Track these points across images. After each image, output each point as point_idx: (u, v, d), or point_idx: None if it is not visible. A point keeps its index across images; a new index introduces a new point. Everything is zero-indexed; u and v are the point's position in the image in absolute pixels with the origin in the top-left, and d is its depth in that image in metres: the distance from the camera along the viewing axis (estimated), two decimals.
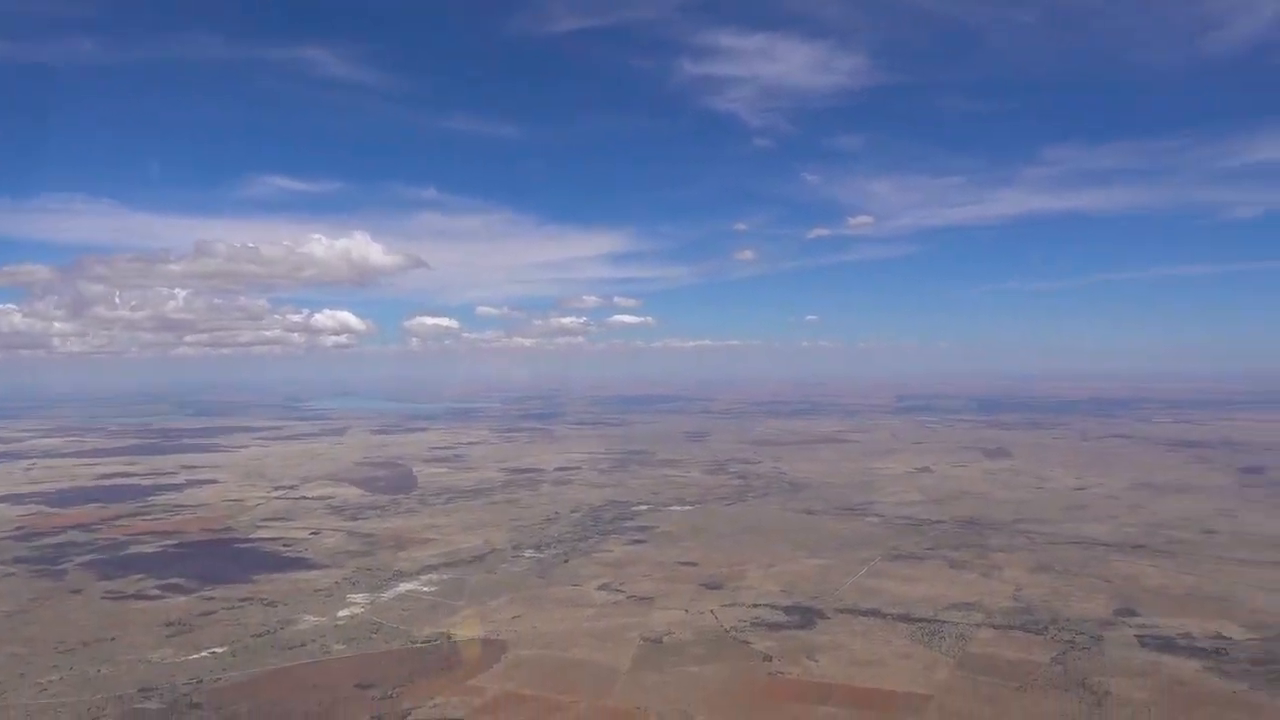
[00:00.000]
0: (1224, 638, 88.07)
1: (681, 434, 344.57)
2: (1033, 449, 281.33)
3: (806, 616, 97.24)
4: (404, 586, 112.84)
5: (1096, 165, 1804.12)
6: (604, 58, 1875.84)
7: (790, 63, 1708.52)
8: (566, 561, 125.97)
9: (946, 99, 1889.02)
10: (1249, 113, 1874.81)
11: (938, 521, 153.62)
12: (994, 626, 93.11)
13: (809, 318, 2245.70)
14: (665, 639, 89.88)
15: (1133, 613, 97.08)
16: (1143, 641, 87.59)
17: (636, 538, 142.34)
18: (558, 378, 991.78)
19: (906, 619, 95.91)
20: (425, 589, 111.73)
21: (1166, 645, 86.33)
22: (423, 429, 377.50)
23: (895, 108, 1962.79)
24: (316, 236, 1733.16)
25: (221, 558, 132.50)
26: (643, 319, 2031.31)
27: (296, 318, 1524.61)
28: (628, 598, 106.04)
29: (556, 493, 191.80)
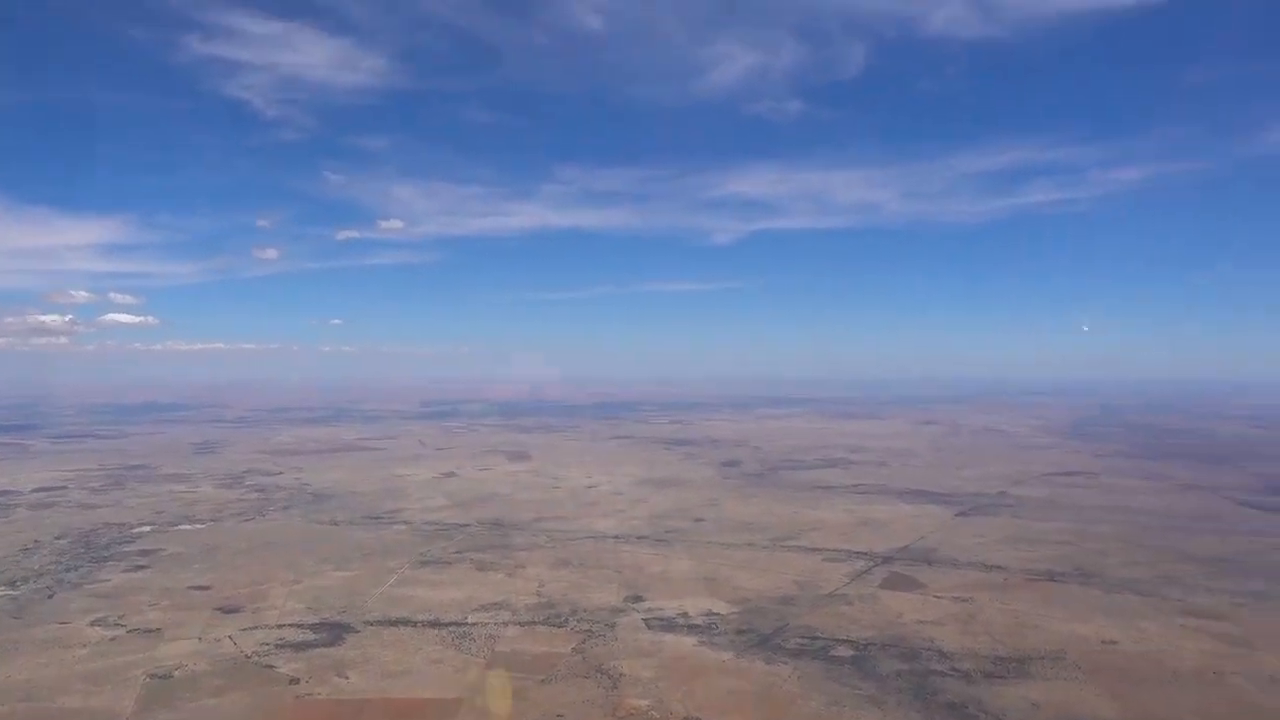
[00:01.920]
0: (714, 613, 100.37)
1: (190, 445, 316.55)
2: (549, 451, 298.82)
3: (335, 633, 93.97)
4: None
5: (601, 187, 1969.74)
6: (95, 19, 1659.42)
7: (311, 55, 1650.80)
8: (51, 597, 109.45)
9: (469, 110, 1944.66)
10: (726, 151, 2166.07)
11: (464, 525, 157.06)
12: (520, 624, 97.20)
13: (334, 321, 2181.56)
14: (176, 673, 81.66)
15: (640, 598, 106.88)
16: (649, 624, 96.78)
17: (138, 563, 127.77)
18: (36, 384, 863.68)
19: (437, 624, 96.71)
20: None
21: (669, 625, 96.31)
22: None
23: (420, 113, 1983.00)
24: None
25: None
26: (143, 318, 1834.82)
27: None
28: (129, 632, 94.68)
29: (35, 518, 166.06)
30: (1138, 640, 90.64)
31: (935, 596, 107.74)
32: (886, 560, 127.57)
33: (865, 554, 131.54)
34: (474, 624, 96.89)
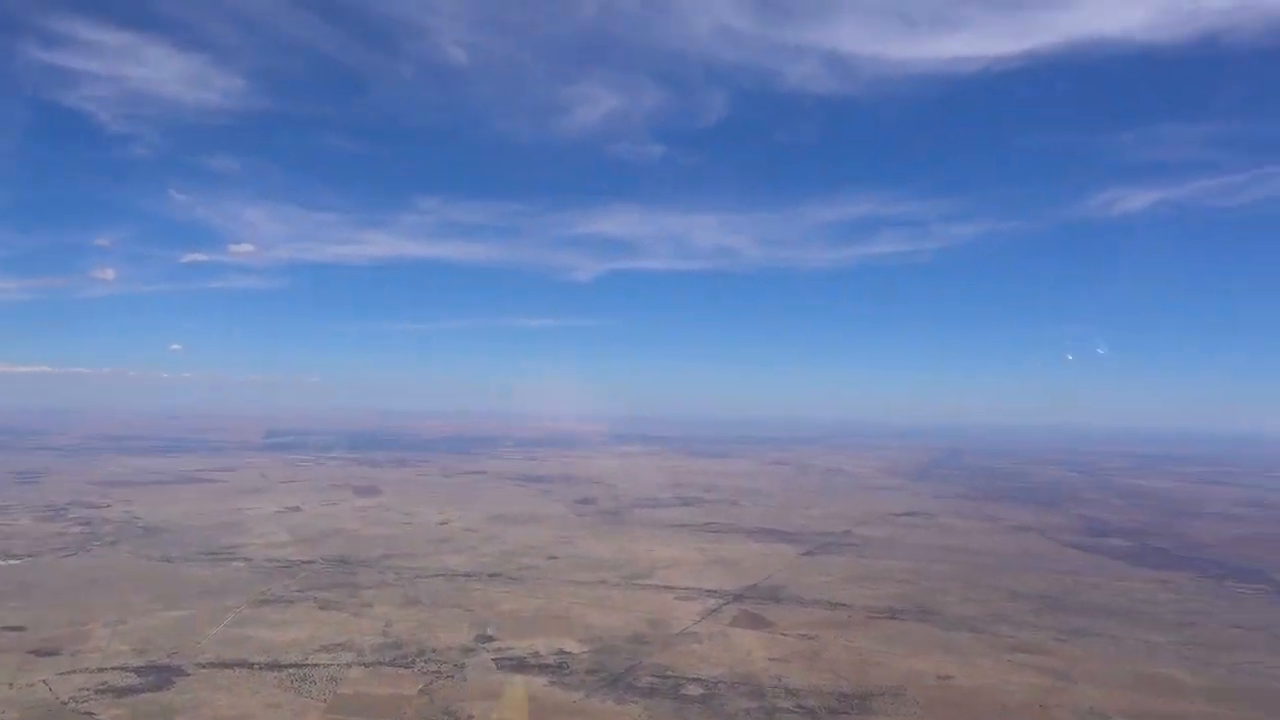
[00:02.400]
0: (565, 653, 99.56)
1: (9, 475, 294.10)
2: (401, 485, 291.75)
3: (164, 676, 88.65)
4: None
5: (461, 219, 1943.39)
6: None
7: (161, 70, 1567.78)
8: None
9: (326, 135, 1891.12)
10: (588, 190, 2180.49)
11: (309, 562, 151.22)
12: (365, 665, 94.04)
13: (174, 346, 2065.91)
14: None
15: (491, 638, 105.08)
16: (499, 664, 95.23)
17: None
18: None
19: (276, 666, 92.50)
20: None
21: (519, 665, 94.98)
22: None
23: (274, 136, 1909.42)
24: None
25: None
26: None
27: None
28: None
29: None
30: (971, 675, 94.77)
31: (783, 634, 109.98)
32: (737, 598, 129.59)
33: (716, 592, 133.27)
34: (315, 665, 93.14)
